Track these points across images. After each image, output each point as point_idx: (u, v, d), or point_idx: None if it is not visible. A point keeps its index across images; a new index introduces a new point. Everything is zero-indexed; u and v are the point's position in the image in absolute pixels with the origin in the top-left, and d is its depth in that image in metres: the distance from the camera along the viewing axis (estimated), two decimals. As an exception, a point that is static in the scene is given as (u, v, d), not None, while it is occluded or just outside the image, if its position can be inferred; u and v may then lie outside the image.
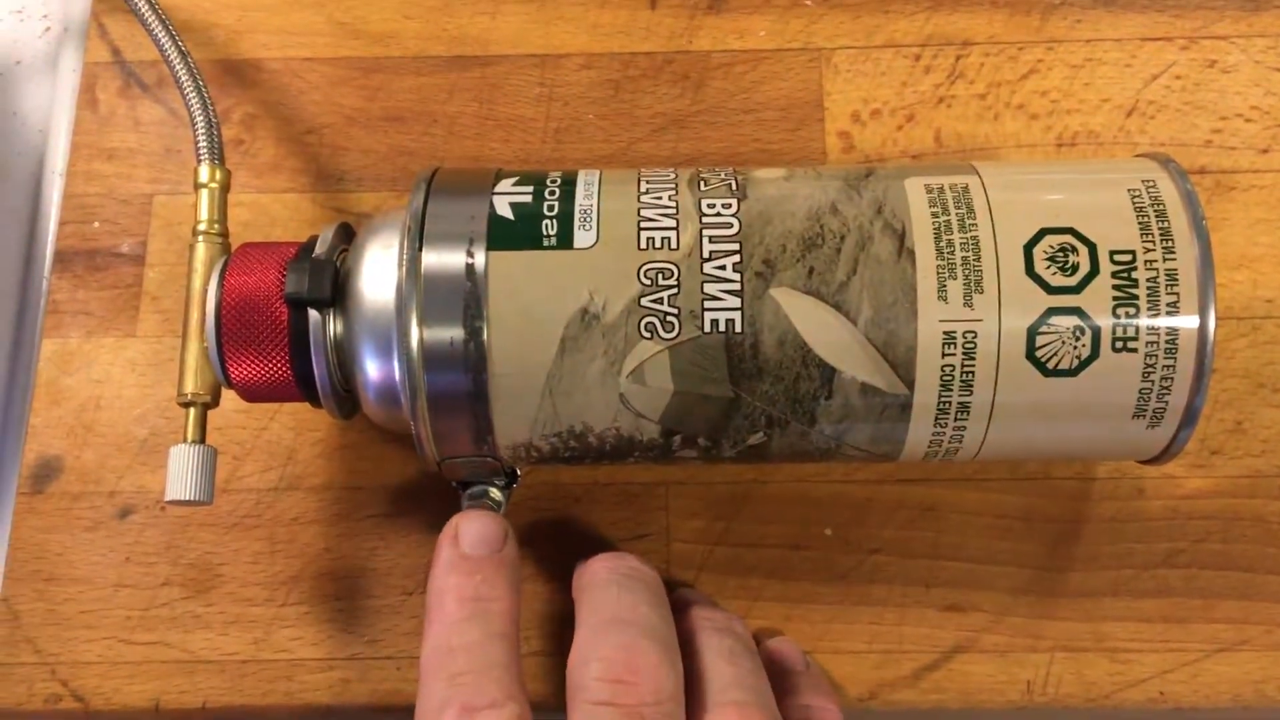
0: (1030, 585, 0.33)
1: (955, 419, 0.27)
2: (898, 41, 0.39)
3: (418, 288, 0.27)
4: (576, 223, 0.27)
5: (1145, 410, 0.27)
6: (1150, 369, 0.26)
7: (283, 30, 0.40)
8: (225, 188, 0.32)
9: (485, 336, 0.27)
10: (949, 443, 0.28)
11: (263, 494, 0.35)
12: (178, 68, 0.33)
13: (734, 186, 0.28)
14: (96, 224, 0.38)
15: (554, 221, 0.27)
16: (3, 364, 0.39)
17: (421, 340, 0.27)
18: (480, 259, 0.27)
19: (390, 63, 0.39)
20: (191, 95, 0.32)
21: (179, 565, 0.34)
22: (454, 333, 0.27)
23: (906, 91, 0.38)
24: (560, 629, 0.33)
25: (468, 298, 0.27)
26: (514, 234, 0.27)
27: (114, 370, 0.36)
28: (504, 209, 0.28)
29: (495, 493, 0.31)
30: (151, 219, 0.37)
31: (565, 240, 0.27)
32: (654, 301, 0.27)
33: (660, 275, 0.27)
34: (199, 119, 0.32)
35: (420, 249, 0.27)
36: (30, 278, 0.40)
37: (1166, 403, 0.27)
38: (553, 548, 0.34)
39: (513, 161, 0.38)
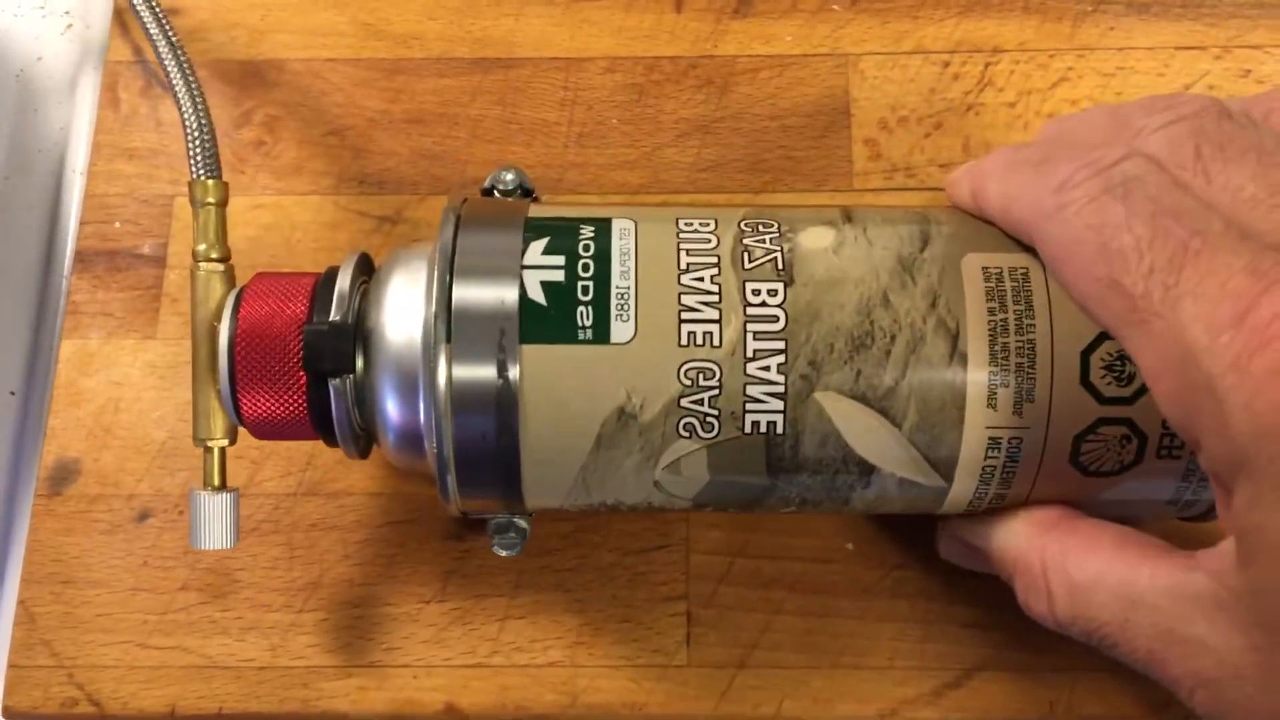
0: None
1: (989, 504, 0.27)
2: (926, 48, 0.39)
3: (448, 328, 0.26)
4: (613, 311, 0.26)
5: (1179, 500, 0.27)
6: (1191, 471, 0.26)
7: (305, 30, 0.39)
8: (224, 203, 0.30)
9: (518, 396, 0.26)
10: (982, 510, 0.28)
11: (281, 499, 0.35)
12: (173, 72, 0.31)
13: (780, 265, 0.26)
14: (118, 224, 0.37)
15: (589, 310, 0.26)
16: (22, 364, 0.39)
17: (450, 381, 0.26)
18: (513, 336, 0.26)
19: (413, 64, 0.39)
20: (186, 103, 0.31)
21: (196, 570, 0.34)
22: (485, 378, 0.26)
23: (935, 98, 0.38)
24: (578, 638, 0.33)
25: (499, 351, 0.26)
26: (547, 324, 0.26)
27: (133, 372, 0.36)
28: (535, 291, 0.26)
29: (520, 522, 0.30)
30: (173, 220, 0.37)
31: (601, 333, 0.26)
32: (694, 402, 0.26)
33: (701, 375, 0.26)
34: (192, 127, 0.30)
35: (451, 289, 0.26)
36: (50, 276, 0.40)
37: (1201, 497, 0.27)
38: (571, 558, 0.34)
39: (535, 166, 0.37)
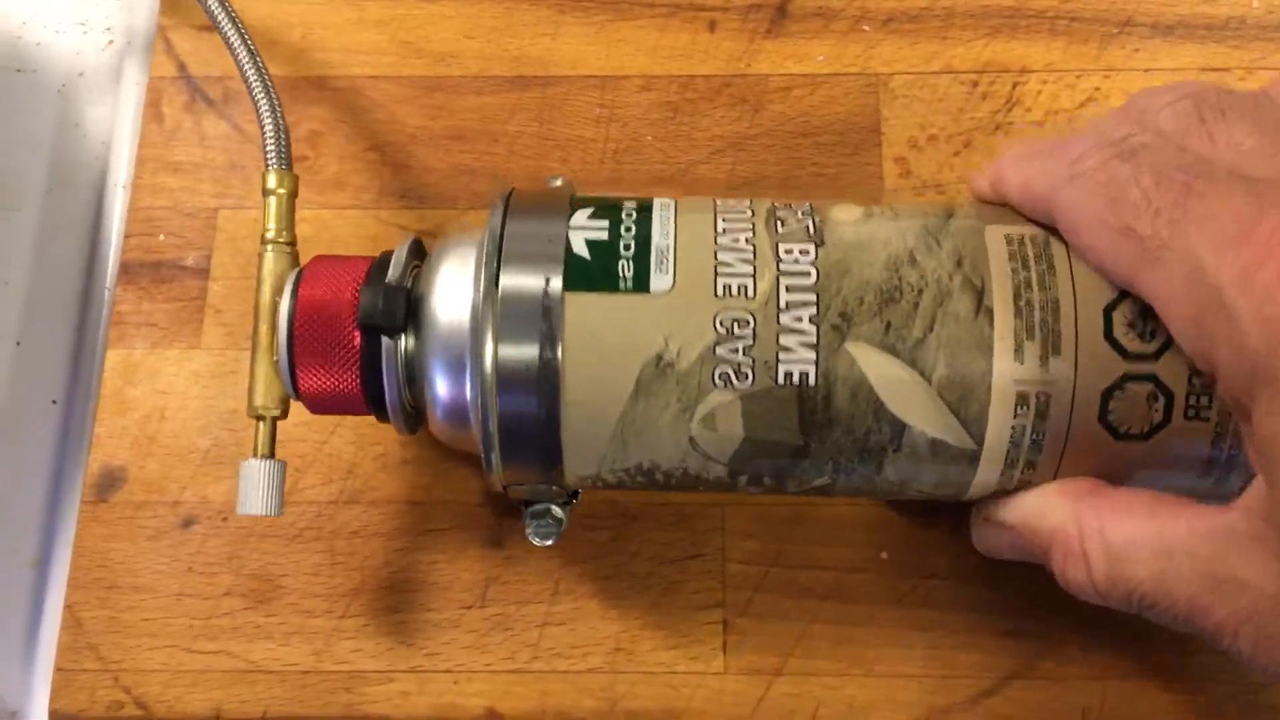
0: (1088, 612, 0.33)
1: (1022, 472, 0.27)
2: (955, 68, 0.39)
3: (494, 311, 0.27)
4: (653, 264, 0.27)
5: (1212, 472, 0.27)
6: (1220, 435, 0.26)
7: (347, 48, 0.40)
8: (293, 194, 0.32)
9: (560, 374, 0.27)
10: (1013, 488, 0.28)
11: (323, 506, 0.35)
12: (247, 69, 0.33)
13: (811, 230, 0.28)
14: (161, 237, 0.38)
15: (630, 263, 0.27)
16: (64, 374, 0.39)
17: (496, 361, 0.27)
18: (556, 297, 0.27)
19: (452, 82, 0.40)
20: (261, 98, 0.33)
21: (240, 575, 0.35)
22: (529, 358, 0.27)
23: (963, 118, 0.39)
24: (616, 644, 0.34)
25: (543, 327, 0.27)
26: (590, 274, 0.27)
27: (178, 382, 0.37)
28: (580, 246, 0.28)
29: (557, 510, 0.31)
30: (216, 233, 0.38)
31: (641, 283, 0.27)
32: (729, 351, 0.27)
33: (736, 325, 0.27)
34: (268, 123, 0.32)
35: (498, 273, 0.27)
36: (92, 288, 0.40)
37: (1235, 464, 0.27)
38: (609, 566, 0.34)
39: (572, 181, 0.38)
